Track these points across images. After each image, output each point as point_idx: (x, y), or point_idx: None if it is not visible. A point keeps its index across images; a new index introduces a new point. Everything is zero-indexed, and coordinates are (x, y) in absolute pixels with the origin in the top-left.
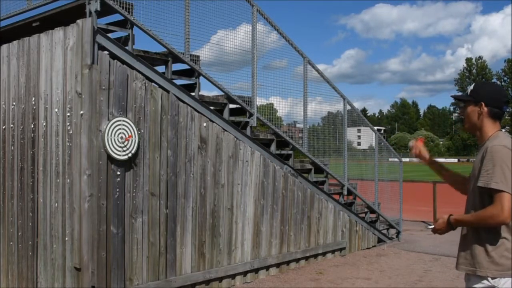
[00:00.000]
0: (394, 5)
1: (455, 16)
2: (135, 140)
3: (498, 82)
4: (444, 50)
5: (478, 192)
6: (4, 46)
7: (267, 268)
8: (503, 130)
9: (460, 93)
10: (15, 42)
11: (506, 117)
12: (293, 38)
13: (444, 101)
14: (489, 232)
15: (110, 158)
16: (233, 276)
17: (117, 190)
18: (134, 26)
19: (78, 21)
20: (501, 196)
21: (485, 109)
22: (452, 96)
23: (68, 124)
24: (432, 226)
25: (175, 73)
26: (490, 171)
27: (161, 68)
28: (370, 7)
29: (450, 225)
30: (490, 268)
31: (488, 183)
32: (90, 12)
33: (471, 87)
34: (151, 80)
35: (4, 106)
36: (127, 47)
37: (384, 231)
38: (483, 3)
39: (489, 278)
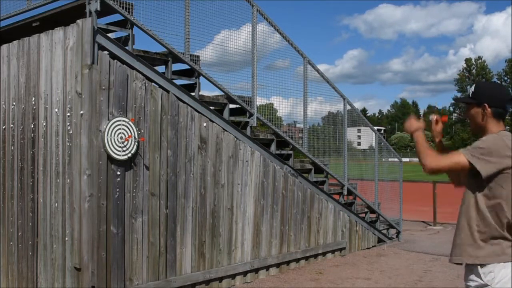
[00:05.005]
0: (398, 5)
1: (458, 16)
2: (134, 141)
3: (499, 82)
4: (447, 50)
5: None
6: (4, 46)
7: (267, 268)
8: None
9: (459, 94)
10: (15, 42)
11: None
12: (296, 38)
13: (444, 101)
14: (479, 225)
15: (110, 158)
16: (233, 276)
17: (117, 190)
18: (134, 26)
19: (78, 21)
20: (457, 152)
21: (489, 110)
22: (454, 99)
23: (68, 124)
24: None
25: (175, 73)
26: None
27: (161, 68)
28: (374, 8)
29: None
30: (488, 256)
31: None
32: (90, 12)
33: (472, 88)
34: (151, 80)
35: (4, 106)
36: (127, 47)
37: (384, 231)
38: (487, 3)
39: (489, 266)
